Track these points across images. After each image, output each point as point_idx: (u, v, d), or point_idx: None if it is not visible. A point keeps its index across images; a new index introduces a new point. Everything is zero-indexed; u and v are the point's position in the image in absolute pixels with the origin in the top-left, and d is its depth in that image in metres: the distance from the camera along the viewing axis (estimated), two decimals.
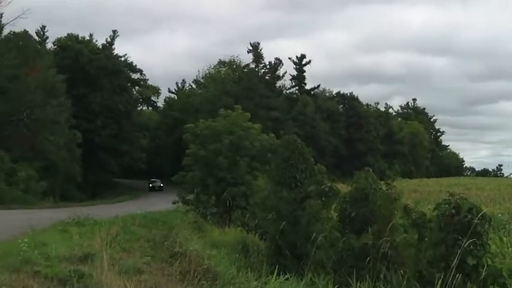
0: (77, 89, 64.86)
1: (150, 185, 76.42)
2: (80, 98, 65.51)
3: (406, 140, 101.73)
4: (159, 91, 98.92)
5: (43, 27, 69.76)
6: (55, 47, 71.21)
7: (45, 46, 67.72)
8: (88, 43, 72.57)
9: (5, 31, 51.53)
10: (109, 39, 75.84)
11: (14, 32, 52.80)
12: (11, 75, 46.91)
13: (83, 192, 62.61)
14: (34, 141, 47.26)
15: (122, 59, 77.27)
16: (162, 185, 73.13)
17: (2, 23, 49.35)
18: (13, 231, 13.20)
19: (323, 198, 15.34)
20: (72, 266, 8.65)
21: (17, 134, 45.90)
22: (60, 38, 72.30)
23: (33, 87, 46.15)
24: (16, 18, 49.23)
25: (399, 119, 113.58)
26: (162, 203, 36.52)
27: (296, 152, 16.32)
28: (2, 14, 47.91)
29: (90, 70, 68.37)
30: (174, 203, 29.93)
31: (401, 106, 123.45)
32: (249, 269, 12.83)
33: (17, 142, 47.70)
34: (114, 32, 77.30)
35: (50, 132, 49.08)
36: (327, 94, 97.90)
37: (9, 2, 47.83)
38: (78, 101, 63.63)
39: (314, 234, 13.92)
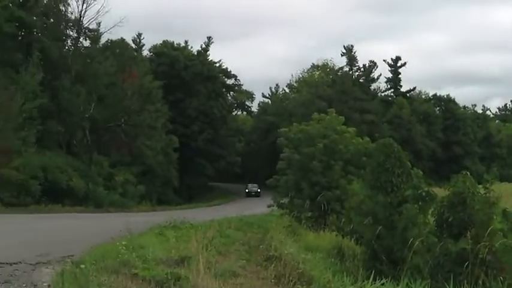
0: (173, 94, 65.89)
1: (247, 190, 73.56)
2: (176, 103, 66.53)
3: (505, 143, 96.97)
4: (253, 96, 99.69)
5: (139, 35, 71.58)
6: (151, 54, 72.74)
7: (142, 53, 69.34)
8: (183, 50, 73.63)
9: (103, 39, 52.97)
10: (204, 46, 76.71)
11: (111, 40, 54.11)
12: (108, 83, 48.03)
13: (179, 195, 63.53)
14: (132, 146, 48.18)
15: (217, 64, 77.96)
16: (259, 190, 68.93)
17: (100, 31, 50.68)
18: (111, 234, 13.48)
19: (420, 203, 14.86)
20: (168, 268, 8.73)
21: (115, 140, 46.88)
22: (156, 45, 74.00)
23: (130, 93, 47.00)
24: (113, 26, 50.56)
25: (497, 121, 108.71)
26: (257, 207, 36.68)
27: (392, 156, 15.79)
28: (99, 23, 49.24)
29: (186, 76, 69.29)
30: (269, 206, 30.02)
31: (499, 108, 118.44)
32: (344, 273, 12.72)
33: (115, 147, 48.94)
34: (209, 38, 78.19)
35: (147, 137, 49.96)
36: (423, 96, 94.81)
37: (107, 11, 49.51)
38: (175, 107, 64.63)
39: (411, 239, 13.53)
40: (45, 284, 7.68)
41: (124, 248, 9.89)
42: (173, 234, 14.45)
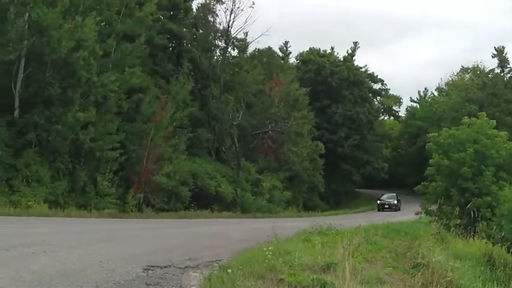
0: (320, 101, 65.02)
1: (379, 202, 58.36)
2: (322, 109, 65.65)
3: None
4: (401, 100, 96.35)
5: (286, 43, 71.37)
6: (297, 61, 72.41)
7: (288, 61, 69.02)
8: (329, 56, 72.56)
9: (250, 48, 53.36)
10: (350, 51, 75.32)
11: (258, 49, 54.72)
12: (256, 91, 48.23)
13: (325, 201, 62.53)
14: (278, 152, 47.94)
15: (363, 69, 76.21)
16: (397, 202, 57.20)
17: (248, 41, 51.05)
18: (258, 239, 13.40)
19: None
20: (314, 274, 8.58)
21: (263, 146, 46.79)
22: (303, 52, 73.54)
23: (277, 101, 46.75)
24: (260, 36, 50.74)
25: None
26: (404, 214, 35.85)
27: None
28: (247, 32, 49.61)
29: (332, 82, 68.12)
30: (416, 213, 28.79)
31: None
32: (495, 282, 12.37)
33: (262, 154, 48.89)
34: (355, 43, 76.86)
35: (293, 143, 49.48)
36: None
37: (254, 21, 49.48)
38: (321, 113, 63.78)
39: None
40: None
41: (271, 253, 9.79)
42: (319, 240, 13.98)
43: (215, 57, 49.60)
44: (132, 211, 30.70)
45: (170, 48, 45.62)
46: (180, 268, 9.49)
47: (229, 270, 8.11)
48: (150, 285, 7.75)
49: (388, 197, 59.83)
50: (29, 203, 24.65)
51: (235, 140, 46.23)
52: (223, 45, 49.18)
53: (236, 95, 46.18)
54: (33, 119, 27.20)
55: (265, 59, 53.80)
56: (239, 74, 48.70)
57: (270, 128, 46.33)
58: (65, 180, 28.24)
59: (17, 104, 27.85)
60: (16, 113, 27.78)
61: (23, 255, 9.27)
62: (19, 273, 7.42)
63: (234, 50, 51.83)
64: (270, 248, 10.41)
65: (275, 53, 62.76)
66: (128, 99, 33.36)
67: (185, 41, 46.65)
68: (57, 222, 20.78)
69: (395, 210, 54.03)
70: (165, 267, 9.36)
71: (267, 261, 9.22)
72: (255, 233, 17.38)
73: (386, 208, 56.04)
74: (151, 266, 9.22)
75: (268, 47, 57.95)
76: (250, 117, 45.87)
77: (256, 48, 54.74)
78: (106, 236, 15.37)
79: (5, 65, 27.31)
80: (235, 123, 44.64)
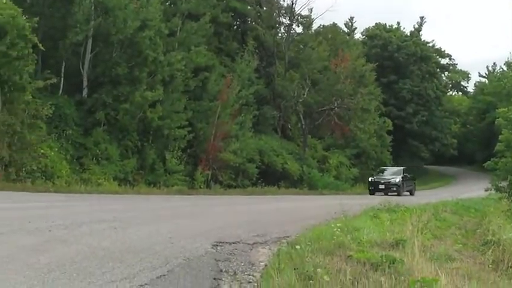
0: (386, 76, 63.21)
1: (371, 180, 40.59)
2: (389, 85, 63.75)
3: None
4: (469, 76, 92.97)
5: (351, 19, 69.26)
6: (363, 37, 70.65)
7: (354, 37, 67.26)
8: (396, 31, 70.42)
9: (315, 25, 52.30)
10: (416, 26, 72.85)
11: (323, 26, 53.49)
12: (321, 67, 47.10)
13: None
14: (345, 129, 46.84)
15: (430, 44, 73.48)
16: (399, 180, 38.93)
17: (312, 17, 50.01)
18: (326, 216, 13.22)
19: None
20: (383, 251, 8.37)
21: (329, 123, 45.87)
22: (368, 27, 71.74)
23: (343, 77, 45.59)
24: (325, 12, 49.39)
25: None
26: (473, 190, 34.26)
27: None
28: (311, 9, 48.74)
29: (399, 57, 66.10)
30: (486, 190, 27.33)
31: None
32: None
33: (329, 131, 47.87)
34: (422, 18, 74.37)
35: (360, 120, 48.13)
36: None
37: None
38: (388, 89, 61.97)
39: None
40: (262, 264, 7.50)
41: (339, 230, 9.79)
42: (387, 217, 13.83)
43: (280, 35, 48.65)
44: (200, 188, 30.74)
45: (235, 27, 45.37)
46: (248, 244, 9.32)
47: (298, 247, 7.97)
48: (219, 261, 7.57)
49: (388, 173, 41.60)
50: (99, 181, 24.89)
51: (301, 117, 45.43)
52: (288, 22, 48.13)
53: (301, 72, 45.21)
54: (102, 99, 27.31)
55: (330, 35, 52.42)
56: (304, 51, 47.60)
57: (336, 104, 45.17)
58: (134, 158, 28.38)
59: (85, 83, 28.09)
60: (85, 92, 28.04)
61: (95, 232, 9.27)
62: (91, 249, 7.38)
63: (298, 26, 50.68)
64: (338, 225, 10.32)
65: (340, 28, 61.19)
66: (194, 78, 33.23)
67: (249, 19, 46.18)
68: (127, 199, 20.96)
69: (397, 194, 36.92)
70: (233, 243, 9.22)
71: (335, 237, 9.12)
72: (322, 210, 17.09)
73: (381, 190, 38.30)
74: (220, 242, 9.07)
75: (333, 23, 56.60)
76: (315, 94, 44.85)
77: (321, 25, 53.68)
78: (175, 212, 15.37)
79: (73, 46, 27.49)
80: (300, 100, 43.77)
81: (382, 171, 43.38)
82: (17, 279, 5.32)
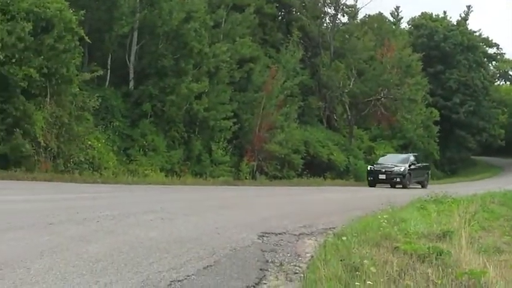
0: (433, 66, 61.52)
1: (369, 169, 33.77)
2: (436, 75, 62.02)
3: None
4: None
5: (397, 8, 67.76)
6: (409, 26, 68.95)
7: (400, 26, 65.84)
8: (442, 20, 68.53)
9: (360, 15, 51.42)
10: (463, 15, 70.81)
11: (368, 15, 52.56)
12: (367, 57, 46.32)
13: (440, 169, 59.50)
14: (391, 120, 45.87)
15: (477, 34, 71.28)
16: (404, 169, 32.20)
17: (357, 7, 49.17)
18: (372, 207, 13.08)
19: None
20: (430, 242, 8.18)
21: (375, 114, 44.97)
22: (414, 17, 69.94)
23: (389, 67, 44.57)
24: (370, 1, 48.53)
25: None
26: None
27: None
28: None
29: (446, 47, 64.29)
30: None
31: None
32: None
33: (375, 121, 47.03)
34: (468, 7, 72.10)
35: (407, 110, 47.00)
36: None
37: None
38: (434, 79, 60.27)
39: None
40: (308, 255, 7.39)
41: (385, 221, 9.69)
42: (434, 208, 13.37)
43: (325, 25, 47.87)
44: (246, 179, 30.48)
45: (279, 17, 44.91)
46: (294, 235, 9.13)
47: (344, 238, 7.87)
48: (266, 251, 7.44)
49: (393, 161, 34.08)
50: (146, 172, 24.80)
51: (347, 107, 44.71)
52: (333, 12, 47.36)
53: (347, 62, 44.44)
54: (148, 90, 27.20)
55: (375, 25, 51.36)
56: (349, 41, 46.69)
57: (382, 95, 44.28)
58: (180, 149, 28.23)
59: (131, 75, 28.06)
60: (131, 84, 28.03)
61: (142, 222, 9.25)
62: (139, 239, 7.36)
63: (343, 16, 49.79)
64: (384, 216, 10.25)
65: (386, 18, 59.97)
66: (239, 69, 32.86)
67: (294, 9, 45.58)
68: (173, 190, 20.82)
69: (402, 186, 31.64)
70: (279, 234, 9.06)
71: (381, 229, 9.01)
72: (368, 201, 16.89)
73: (382, 181, 32.23)
74: (266, 233, 8.94)
75: (379, 12, 55.53)
76: (361, 85, 44.04)
77: (366, 14, 52.74)
78: (221, 203, 15.23)
79: (119, 38, 27.44)
80: (346, 90, 43.08)
81: (386, 158, 35.87)
82: (66, 269, 5.28)
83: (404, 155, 36.88)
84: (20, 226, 7.92)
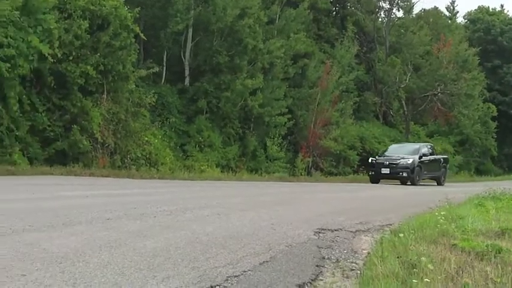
0: (490, 61, 59.23)
1: (370, 161, 28.05)
2: (493, 70, 59.67)
3: None
4: None
5: (453, 2, 65.66)
6: (465, 20, 66.74)
7: (456, 20, 63.84)
8: (499, 14, 65.99)
9: (416, 9, 50.05)
10: None
11: (424, 9, 51.43)
12: (423, 52, 44.89)
13: (498, 166, 57.33)
14: (448, 115, 44.34)
15: None
16: (411, 162, 26.29)
17: (413, 1, 47.91)
18: (429, 203, 12.32)
19: None
20: (489, 240, 7.70)
21: (432, 109, 43.56)
22: (470, 11, 67.63)
23: (446, 62, 43.05)
24: None
25: None
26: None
27: None
28: None
29: (503, 41, 61.80)
30: None
31: None
32: None
33: (432, 117, 45.62)
34: None
35: (464, 106, 45.29)
36: None
37: None
38: (492, 74, 57.93)
39: None
40: (364, 252, 7.16)
41: (443, 218, 9.18)
42: (493, 205, 12.58)
43: (380, 19, 46.91)
44: (301, 175, 29.69)
45: (334, 12, 44.03)
46: (351, 232, 8.82)
47: (401, 235, 7.53)
48: (322, 248, 7.14)
49: (400, 151, 28.20)
50: (202, 168, 24.45)
51: (403, 103, 43.36)
52: (388, 6, 46.18)
53: (403, 57, 43.16)
54: (203, 87, 26.93)
55: (431, 19, 49.91)
56: (405, 36, 45.46)
57: (439, 90, 42.80)
58: (235, 145, 27.84)
59: (187, 72, 27.88)
60: (187, 81, 27.82)
61: (198, 218, 9.06)
62: (195, 235, 7.22)
63: (398, 11, 48.49)
64: (442, 213, 9.78)
65: (442, 12, 58.28)
66: (293, 65, 32.23)
67: (348, 4, 44.59)
68: (229, 185, 20.30)
69: (411, 182, 26.34)
70: (335, 230, 8.74)
71: (439, 226, 8.55)
72: (425, 197, 16.19)
73: (386, 176, 26.65)
74: (322, 229, 8.60)
75: (435, 6, 54.09)
76: (418, 80, 42.66)
77: (422, 9, 51.42)
78: (277, 199, 14.83)
79: (174, 35, 27.20)
80: (402, 85, 41.74)
81: (394, 148, 29.82)
82: (124, 263, 5.21)
83: (415, 145, 30.38)
84: (79, 221, 7.87)
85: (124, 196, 12.90)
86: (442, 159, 29.87)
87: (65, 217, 8.06)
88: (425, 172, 27.54)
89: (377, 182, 26.56)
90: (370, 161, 28.07)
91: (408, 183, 26.31)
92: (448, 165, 31.32)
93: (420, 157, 27.09)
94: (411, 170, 26.21)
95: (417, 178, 26.56)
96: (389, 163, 26.52)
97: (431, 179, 28.66)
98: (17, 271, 4.56)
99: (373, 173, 27.12)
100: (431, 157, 28.59)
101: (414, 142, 32.55)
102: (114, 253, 5.66)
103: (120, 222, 8.03)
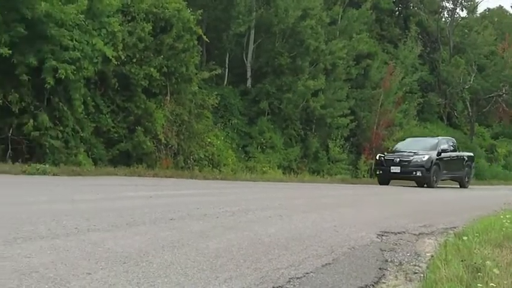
0: None
1: (378, 158, 23.78)
2: None
3: None
4: None
5: None
6: None
7: None
8: None
9: (480, 9, 48.23)
10: None
11: (488, 9, 49.66)
12: (488, 52, 43.33)
13: None
14: None
15: None
16: (426, 159, 21.91)
17: (477, 1, 46.24)
18: (494, 207, 12.07)
19: None
20: None
21: (497, 110, 41.86)
22: None
23: (511, 62, 41.21)
24: None
25: None
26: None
27: None
28: None
29: None
30: None
31: None
32: None
33: (497, 118, 44.18)
34: None
35: None
36: None
37: None
38: None
39: None
40: (428, 254, 6.87)
41: (508, 221, 8.80)
42: None
43: (443, 19, 45.67)
44: (364, 177, 28.74)
45: (396, 12, 43.01)
46: (414, 235, 8.48)
47: (465, 238, 7.25)
48: (385, 250, 6.92)
49: (413, 147, 23.59)
50: (264, 169, 23.93)
51: (468, 104, 41.72)
52: (451, 6, 45.09)
53: (467, 57, 41.59)
54: (265, 88, 26.37)
55: (496, 19, 48.14)
56: (469, 36, 43.98)
57: (504, 91, 41.06)
58: (297, 146, 27.14)
59: (249, 74, 27.40)
60: (249, 83, 27.35)
61: (260, 219, 8.84)
62: (257, 236, 7.05)
63: (462, 10, 47.32)
64: (507, 216, 9.43)
65: (507, 12, 56.18)
66: (356, 66, 31.29)
67: (411, 4, 43.64)
68: (291, 187, 19.76)
69: (426, 184, 22.26)
70: (398, 233, 8.44)
71: (504, 229, 8.20)
72: (490, 200, 15.72)
73: (396, 176, 22.64)
74: (385, 232, 8.32)
75: (499, 5, 52.05)
76: (482, 80, 41.04)
77: (486, 8, 49.58)
78: (339, 201, 14.21)
79: (236, 37, 26.83)
80: (466, 86, 40.18)
81: (407, 143, 25.22)
82: (187, 264, 5.14)
83: (433, 139, 25.09)
84: (142, 221, 7.75)
85: (187, 196, 12.67)
86: (465, 157, 25.21)
87: (129, 217, 8.01)
88: (444, 172, 23.00)
89: (387, 183, 22.80)
90: (378, 157, 23.72)
91: (425, 186, 22.27)
92: (473, 164, 26.43)
93: (439, 153, 22.65)
94: (427, 169, 21.85)
95: (434, 178, 22.21)
96: (400, 160, 22.24)
97: (452, 179, 24.45)
98: (83, 269, 4.57)
99: (381, 172, 23.04)
100: (453, 154, 24.03)
101: (433, 137, 27.13)
102: (177, 253, 5.57)
103: (183, 222, 7.92)
